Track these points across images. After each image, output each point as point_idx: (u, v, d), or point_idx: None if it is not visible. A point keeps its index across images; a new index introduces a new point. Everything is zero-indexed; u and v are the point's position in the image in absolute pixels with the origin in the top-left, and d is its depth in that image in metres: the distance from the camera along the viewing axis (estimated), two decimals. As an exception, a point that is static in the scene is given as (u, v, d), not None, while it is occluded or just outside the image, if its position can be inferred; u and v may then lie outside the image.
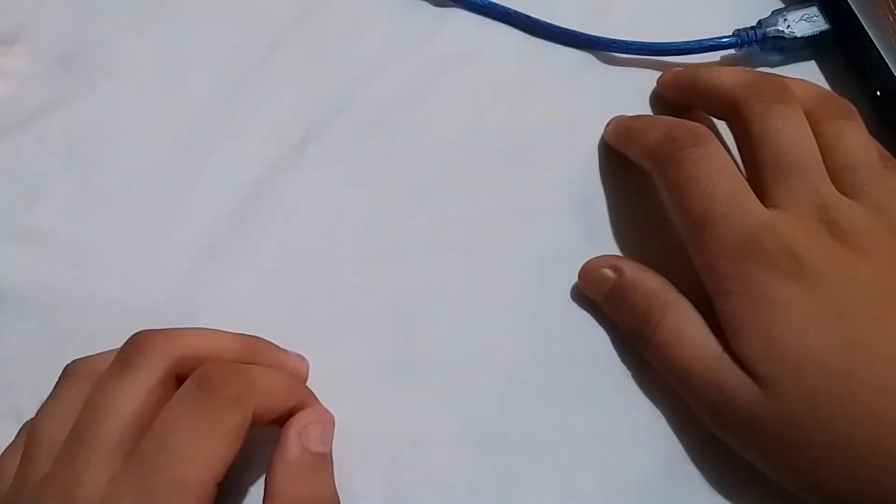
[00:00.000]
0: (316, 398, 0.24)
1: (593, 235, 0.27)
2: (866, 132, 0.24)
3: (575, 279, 0.26)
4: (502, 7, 0.30)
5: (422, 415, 0.25)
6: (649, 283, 0.24)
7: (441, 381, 0.25)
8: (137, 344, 0.22)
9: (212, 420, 0.20)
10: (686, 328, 0.23)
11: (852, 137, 0.24)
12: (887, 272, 0.21)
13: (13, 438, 0.23)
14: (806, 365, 0.21)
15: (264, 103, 0.30)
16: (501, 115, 0.29)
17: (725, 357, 0.22)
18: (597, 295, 0.26)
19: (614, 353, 0.25)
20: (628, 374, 0.25)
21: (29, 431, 0.22)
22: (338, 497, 0.22)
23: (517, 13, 0.30)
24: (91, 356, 0.23)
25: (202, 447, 0.19)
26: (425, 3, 0.31)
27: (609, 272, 0.25)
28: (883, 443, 0.20)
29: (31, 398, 0.24)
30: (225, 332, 0.24)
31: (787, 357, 0.21)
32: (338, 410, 0.24)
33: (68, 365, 0.23)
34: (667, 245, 0.26)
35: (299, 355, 0.25)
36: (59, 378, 0.23)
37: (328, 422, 0.23)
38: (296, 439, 0.21)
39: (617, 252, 0.27)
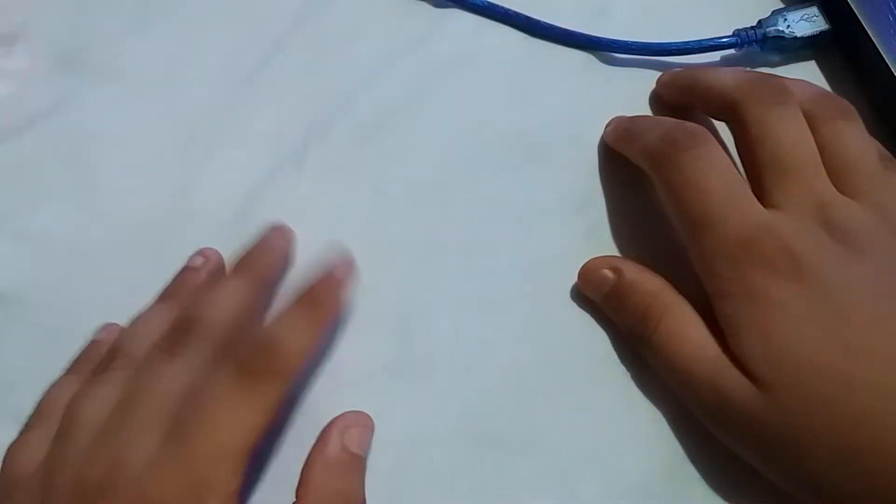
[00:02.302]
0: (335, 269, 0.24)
1: (593, 236, 0.27)
2: (866, 132, 0.24)
3: (574, 279, 0.26)
4: (502, 8, 0.30)
5: (422, 415, 0.25)
6: (649, 284, 0.24)
7: (441, 381, 0.25)
8: (186, 330, 0.23)
9: (251, 397, 0.21)
10: (685, 329, 0.23)
11: (852, 138, 0.24)
12: (887, 273, 0.21)
13: (30, 416, 0.23)
14: (804, 366, 0.21)
15: (265, 104, 0.30)
16: (501, 116, 0.29)
17: (724, 358, 0.22)
18: (596, 296, 0.26)
19: (614, 354, 0.26)
20: (628, 374, 0.25)
21: (67, 410, 0.22)
22: (365, 499, 0.23)
23: (517, 14, 0.30)
24: (129, 331, 0.24)
25: (241, 417, 0.21)
26: (425, 3, 0.31)
27: (608, 273, 0.25)
28: (881, 444, 0.20)
29: (32, 399, 0.24)
30: (237, 278, 0.24)
31: (786, 359, 0.21)
32: (338, 411, 0.24)
33: (98, 335, 0.25)
34: (666, 246, 0.26)
35: (279, 227, 0.26)
36: (101, 361, 0.24)
37: (368, 427, 0.24)
38: (337, 438, 0.23)
39: (616, 252, 0.27)
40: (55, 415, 0.23)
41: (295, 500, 0.22)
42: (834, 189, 0.23)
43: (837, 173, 0.23)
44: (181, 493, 0.20)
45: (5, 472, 0.22)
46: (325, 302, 0.24)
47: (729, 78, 0.25)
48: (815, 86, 0.26)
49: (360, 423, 0.24)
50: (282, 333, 0.22)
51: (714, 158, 0.23)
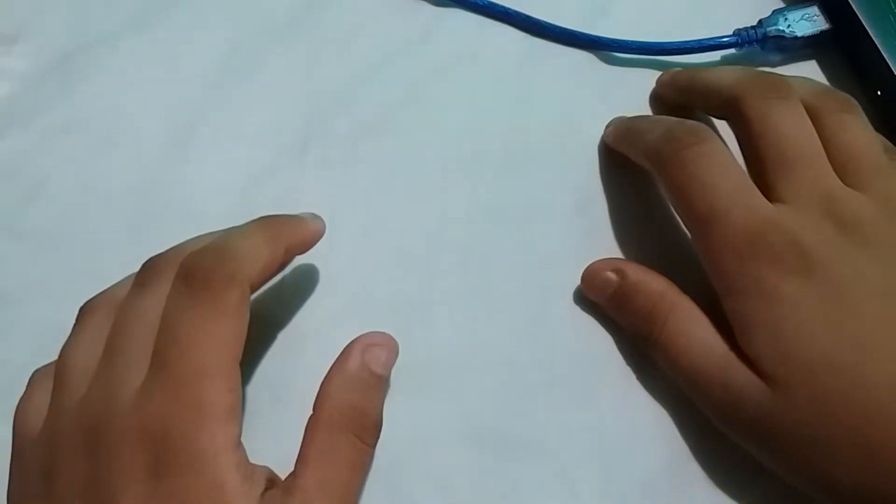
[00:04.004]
0: (307, 221, 0.24)
1: (593, 236, 0.27)
2: (869, 125, 0.24)
3: (574, 279, 0.26)
4: (502, 7, 0.30)
5: (422, 415, 0.25)
6: (653, 284, 0.24)
7: (441, 381, 0.25)
8: (153, 264, 0.22)
9: (212, 306, 0.20)
10: (692, 328, 0.23)
11: (856, 130, 0.23)
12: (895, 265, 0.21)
13: (25, 388, 0.23)
14: (815, 363, 0.20)
15: (264, 103, 0.30)
16: (501, 115, 0.29)
17: (732, 356, 0.22)
18: (600, 298, 0.25)
19: (614, 353, 0.26)
20: (629, 373, 0.25)
21: (58, 363, 0.22)
22: (381, 421, 0.23)
23: (517, 13, 0.30)
24: (104, 290, 0.24)
25: (211, 331, 0.20)
26: (425, 3, 0.31)
27: (612, 275, 0.25)
28: (894, 439, 0.19)
29: (31, 398, 0.24)
30: (240, 230, 0.23)
31: (796, 355, 0.21)
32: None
33: (85, 303, 0.23)
34: (668, 245, 0.26)
35: (312, 216, 0.25)
36: (78, 315, 0.23)
37: (392, 348, 0.24)
38: (358, 354, 0.23)
39: (617, 252, 0.27)
40: (54, 366, 0.23)
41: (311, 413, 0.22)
42: (840, 181, 0.22)
43: (843, 166, 0.23)
44: (178, 419, 0.19)
45: (16, 431, 0.22)
46: (284, 225, 0.23)
47: (728, 75, 0.25)
48: (816, 81, 0.26)
49: (384, 343, 0.23)
50: (230, 241, 0.22)
51: (717, 154, 0.23)
